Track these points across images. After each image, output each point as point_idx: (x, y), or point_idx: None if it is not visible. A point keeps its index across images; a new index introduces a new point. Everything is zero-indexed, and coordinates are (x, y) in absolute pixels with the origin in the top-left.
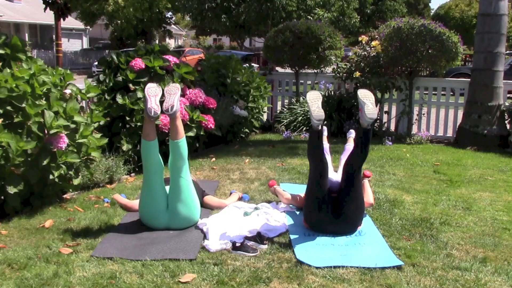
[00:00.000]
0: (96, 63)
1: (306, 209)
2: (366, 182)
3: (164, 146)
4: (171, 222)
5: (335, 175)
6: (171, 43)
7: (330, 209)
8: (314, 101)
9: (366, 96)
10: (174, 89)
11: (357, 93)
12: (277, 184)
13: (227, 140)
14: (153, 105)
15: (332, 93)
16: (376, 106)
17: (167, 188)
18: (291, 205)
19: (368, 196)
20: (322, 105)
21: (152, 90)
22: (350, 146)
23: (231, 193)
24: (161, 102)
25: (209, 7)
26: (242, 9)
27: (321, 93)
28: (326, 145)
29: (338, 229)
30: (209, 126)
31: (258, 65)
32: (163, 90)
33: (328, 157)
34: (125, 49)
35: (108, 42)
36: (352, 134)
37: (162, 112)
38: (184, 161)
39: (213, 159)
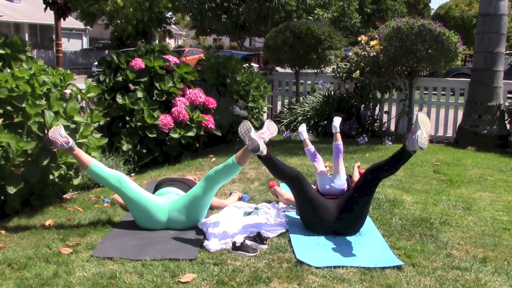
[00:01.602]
0: (96, 63)
1: (304, 218)
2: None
3: (164, 146)
4: (171, 223)
5: (328, 180)
6: (171, 43)
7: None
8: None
9: (424, 123)
10: (273, 128)
11: (417, 116)
12: (277, 185)
13: (227, 140)
14: (62, 139)
15: (332, 93)
16: (376, 106)
17: (167, 188)
18: (291, 205)
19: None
20: (320, 106)
21: (54, 133)
22: (339, 144)
23: (231, 193)
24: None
25: (209, 7)
26: (242, 9)
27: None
28: (311, 148)
29: (340, 230)
30: (209, 126)
31: (258, 65)
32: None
33: (319, 158)
34: (125, 49)
35: (108, 42)
36: (337, 129)
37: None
38: (226, 181)
39: (213, 159)
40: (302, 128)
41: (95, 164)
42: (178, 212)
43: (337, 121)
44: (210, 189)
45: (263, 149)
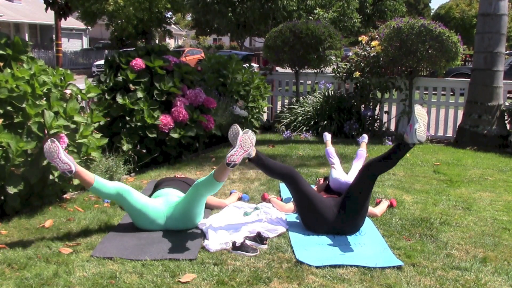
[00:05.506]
0: (96, 63)
1: (305, 219)
2: (385, 202)
3: (164, 146)
4: (169, 226)
5: (344, 176)
6: (171, 43)
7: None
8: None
9: (421, 115)
10: (248, 144)
11: (414, 108)
12: (269, 195)
13: (227, 140)
14: (64, 166)
15: (332, 93)
16: (376, 106)
17: (165, 190)
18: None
19: (379, 209)
20: (320, 106)
21: (51, 153)
22: (362, 151)
23: (231, 193)
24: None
25: (212, 2)
26: (246, 7)
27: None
28: (331, 149)
29: (340, 228)
30: (209, 126)
31: (258, 65)
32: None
33: (336, 159)
34: (125, 49)
35: (108, 42)
36: (364, 139)
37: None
38: (209, 194)
39: (213, 159)
40: (327, 136)
41: (97, 180)
42: (174, 219)
43: (365, 137)
44: (196, 201)
45: (252, 151)
